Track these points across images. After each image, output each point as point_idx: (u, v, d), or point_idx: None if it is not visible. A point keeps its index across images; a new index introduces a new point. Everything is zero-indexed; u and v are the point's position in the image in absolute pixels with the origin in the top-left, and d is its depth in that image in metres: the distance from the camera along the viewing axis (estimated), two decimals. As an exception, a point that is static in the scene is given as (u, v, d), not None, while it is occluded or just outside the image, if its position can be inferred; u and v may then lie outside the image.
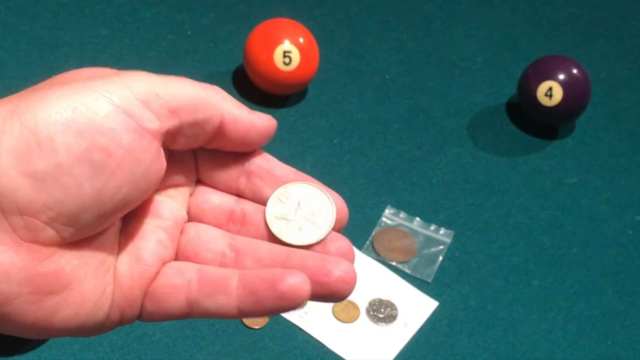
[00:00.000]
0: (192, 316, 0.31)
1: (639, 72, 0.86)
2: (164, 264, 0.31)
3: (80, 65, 0.77)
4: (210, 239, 0.32)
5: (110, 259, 0.30)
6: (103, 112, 0.27)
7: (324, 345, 0.61)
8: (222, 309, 0.30)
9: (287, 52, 0.73)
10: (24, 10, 0.81)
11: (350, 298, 0.64)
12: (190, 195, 0.34)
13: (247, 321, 0.61)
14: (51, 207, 0.27)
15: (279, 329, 0.61)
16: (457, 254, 0.68)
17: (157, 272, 0.31)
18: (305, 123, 0.76)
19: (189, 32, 0.82)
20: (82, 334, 0.30)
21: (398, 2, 0.89)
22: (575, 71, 0.74)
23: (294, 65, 0.73)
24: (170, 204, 0.33)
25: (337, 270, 0.30)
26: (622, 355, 0.63)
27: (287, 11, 0.82)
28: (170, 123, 0.29)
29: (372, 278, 0.65)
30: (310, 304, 0.63)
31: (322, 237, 0.32)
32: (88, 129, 0.27)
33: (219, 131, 0.31)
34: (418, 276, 0.66)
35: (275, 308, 0.30)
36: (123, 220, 0.31)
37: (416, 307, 0.64)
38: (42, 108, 0.27)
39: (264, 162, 0.33)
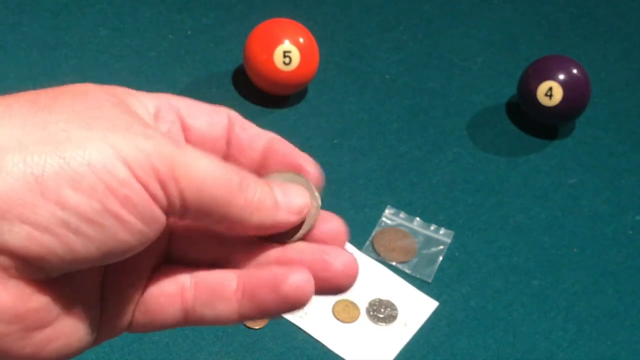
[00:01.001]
0: (187, 325, 0.29)
1: (639, 72, 0.86)
2: (153, 270, 0.29)
3: (80, 65, 0.77)
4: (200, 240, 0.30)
5: (96, 283, 0.28)
6: (122, 177, 0.25)
7: (324, 345, 0.61)
8: (221, 316, 0.28)
9: (287, 52, 0.72)
10: (24, 10, 0.81)
11: (350, 298, 0.64)
12: None
13: (247, 321, 0.61)
14: (47, 259, 0.24)
15: (279, 329, 0.61)
16: (457, 254, 0.68)
17: (147, 282, 0.29)
18: (305, 123, 0.76)
19: (189, 32, 0.82)
20: (72, 357, 0.28)
21: (398, 2, 0.89)
22: (575, 71, 0.74)
23: (294, 65, 0.73)
24: None
25: (338, 263, 0.28)
26: (622, 355, 0.63)
27: (287, 11, 0.82)
28: (177, 210, 0.26)
29: (372, 278, 0.65)
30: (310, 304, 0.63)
31: (304, 233, 0.29)
32: (102, 190, 0.24)
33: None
34: (418, 276, 0.66)
35: (278, 310, 0.28)
36: None
37: (416, 307, 0.64)
38: (53, 155, 0.24)
39: (242, 130, 0.31)
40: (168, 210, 0.26)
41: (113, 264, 0.28)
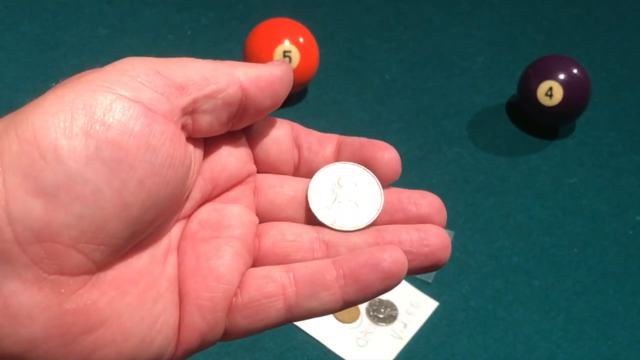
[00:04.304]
0: (292, 321, 0.29)
1: (639, 72, 0.86)
2: (241, 275, 0.28)
3: (80, 65, 0.77)
4: (296, 236, 0.30)
5: (161, 284, 0.27)
6: (105, 103, 0.24)
7: (324, 345, 0.61)
8: (327, 305, 0.28)
9: (287, 52, 0.72)
10: (24, 10, 0.81)
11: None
12: (254, 192, 0.31)
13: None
14: (71, 224, 0.23)
15: (279, 329, 0.61)
16: (457, 254, 0.68)
17: (237, 287, 0.28)
18: (305, 123, 0.75)
19: (189, 32, 0.82)
20: None
21: (398, 2, 0.89)
22: (575, 71, 0.74)
23: (294, 65, 0.73)
24: (235, 210, 0.30)
25: (434, 239, 0.29)
26: (622, 355, 0.63)
27: (287, 11, 0.82)
28: (182, 101, 0.26)
29: (372, 278, 0.65)
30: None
31: (372, 219, 0.30)
32: (92, 126, 0.24)
33: (244, 98, 0.28)
34: (418, 276, 0.66)
35: (380, 289, 0.28)
36: (188, 238, 0.28)
37: (416, 307, 0.64)
38: (37, 115, 0.24)
39: (307, 133, 0.32)
40: (172, 109, 0.26)
41: (196, 264, 0.27)
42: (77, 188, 0.23)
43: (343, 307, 0.29)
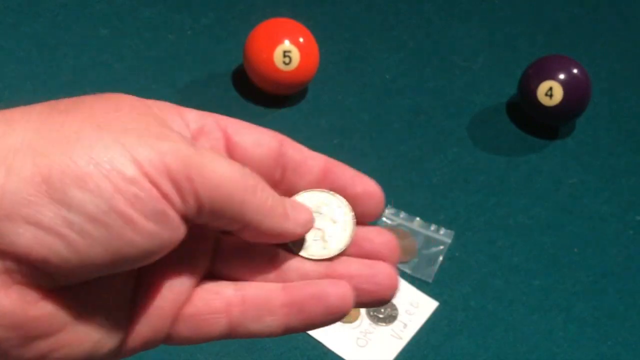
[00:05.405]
0: (230, 337, 0.29)
1: (639, 72, 0.86)
2: (196, 285, 0.29)
3: (80, 65, 0.77)
4: (255, 252, 0.30)
5: (122, 292, 0.27)
6: (129, 175, 0.24)
7: (324, 345, 0.61)
8: (268, 330, 0.29)
9: (287, 52, 0.72)
10: (24, 10, 0.81)
11: (350, 298, 0.64)
12: None
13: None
14: (52, 262, 0.24)
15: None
16: (457, 254, 0.68)
17: (189, 296, 0.28)
18: (305, 123, 0.76)
19: (189, 32, 0.82)
20: None
21: (398, 2, 0.89)
22: (575, 71, 0.74)
23: (294, 65, 0.73)
24: None
25: (383, 277, 0.30)
26: (622, 355, 0.63)
27: (287, 11, 0.82)
28: (192, 211, 0.26)
29: (372, 278, 0.65)
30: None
31: (329, 256, 0.30)
32: (108, 189, 0.24)
33: (245, 228, 0.28)
34: (418, 276, 0.66)
35: (323, 321, 0.29)
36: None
37: (416, 307, 0.64)
38: (61, 155, 0.24)
39: (296, 152, 0.31)
40: (183, 211, 0.26)
41: (151, 276, 0.28)
42: (72, 236, 0.24)
43: (283, 333, 0.29)
